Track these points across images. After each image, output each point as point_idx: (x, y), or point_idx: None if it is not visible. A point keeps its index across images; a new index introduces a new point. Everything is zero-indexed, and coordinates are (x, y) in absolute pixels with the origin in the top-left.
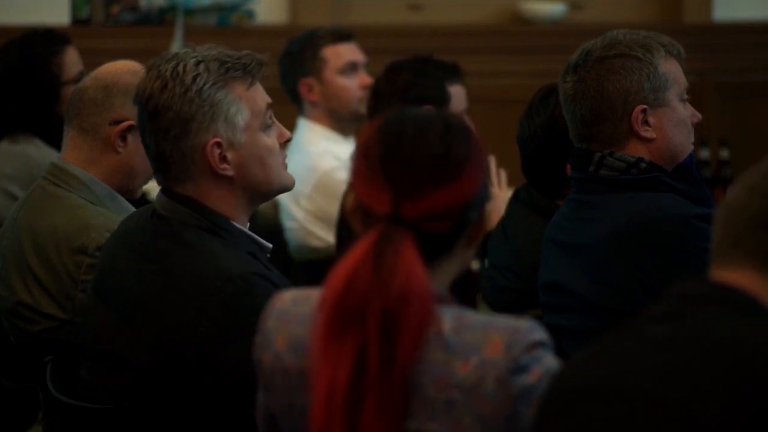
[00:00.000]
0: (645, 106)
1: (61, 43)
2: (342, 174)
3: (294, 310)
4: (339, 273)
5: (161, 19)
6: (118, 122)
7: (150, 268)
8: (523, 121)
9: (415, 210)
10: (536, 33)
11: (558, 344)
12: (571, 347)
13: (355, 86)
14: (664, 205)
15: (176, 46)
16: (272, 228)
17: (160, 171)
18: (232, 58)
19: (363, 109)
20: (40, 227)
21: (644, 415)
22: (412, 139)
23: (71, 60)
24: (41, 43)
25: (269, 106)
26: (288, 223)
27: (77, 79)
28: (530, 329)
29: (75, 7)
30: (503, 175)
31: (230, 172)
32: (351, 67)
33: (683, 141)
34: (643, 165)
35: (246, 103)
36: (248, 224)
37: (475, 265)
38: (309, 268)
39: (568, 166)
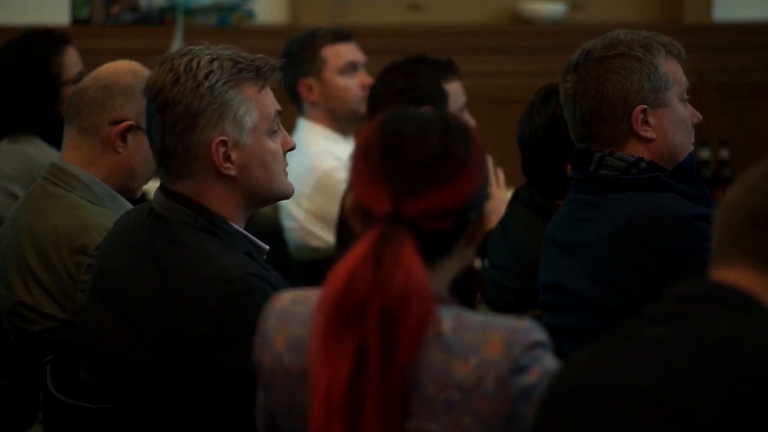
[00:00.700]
0: (645, 106)
1: (61, 43)
2: (342, 174)
3: (294, 310)
4: (339, 273)
5: (161, 19)
6: (118, 122)
7: (148, 267)
8: (523, 121)
9: (415, 210)
10: (536, 33)
11: (558, 344)
12: (571, 347)
13: (354, 86)
14: (664, 205)
15: (176, 46)
16: (272, 228)
17: (163, 165)
18: (246, 60)
19: (363, 109)
20: (40, 227)
21: (644, 415)
22: (413, 139)
23: (71, 60)
24: (41, 43)
25: (279, 113)
26: (288, 223)
27: (77, 79)
28: (530, 329)
29: (75, 7)
30: (501, 174)
31: (233, 172)
32: (351, 67)
33: (683, 141)
34: (643, 165)
35: (255, 105)
36: (244, 226)
37: (477, 263)
38: (309, 268)
39: (569, 166)
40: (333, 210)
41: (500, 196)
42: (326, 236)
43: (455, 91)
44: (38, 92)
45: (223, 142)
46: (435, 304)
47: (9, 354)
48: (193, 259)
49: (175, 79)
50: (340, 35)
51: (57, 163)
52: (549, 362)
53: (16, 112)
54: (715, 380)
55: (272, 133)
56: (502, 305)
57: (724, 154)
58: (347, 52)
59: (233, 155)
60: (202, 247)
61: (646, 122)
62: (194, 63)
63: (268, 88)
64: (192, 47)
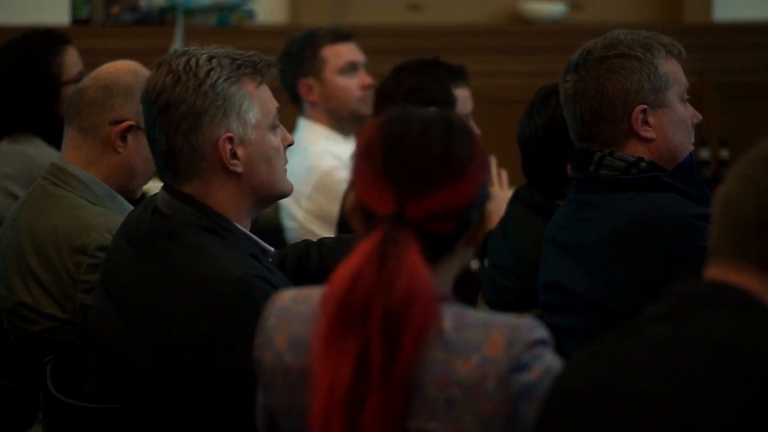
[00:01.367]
0: (645, 106)
1: (61, 43)
2: (342, 174)
3: (294, 309)
4: (342, 273)
5: (161, 19)
6: (118, 122)
7: (149, 267)
8: (523, 121)
9: (418, 210)
10: (536, 33)
11: (558, 344)
12: (571, 347)
13: (354, 86)
14: (664, 205)
15: (176, 46)
16: (272, 228)
17: (168, 167)
18: (242, 56)
19: (363, 109)
20: (40, 227)
21: (644, 415)
22: (415, 140)
23: (71, 60)
24: (41, 43)
25: (278, 109)
26: (288, 223)
27: (77, 79)
28: (531, 327)
29: (75, 7)
30: (504, 175)
31: (239, 169)
32: (351, 67)
33: (683, 141)
34: (643, 165)
35: (257, 101)
36: (249, 228)
37: (474, 264)
38: None
39: (569, 166)
40: (333, 210)
41: (502, 196)
42: (327, 236)
43: (464, 97)
44: (38, 92)
45: (230, 139)
46: (439, 305)
47: (9, 354)
48: (194, 259)
49: (176, 80)
50: (340, 35)
51: (57, 163)
52: (550, 360)
53: (16, 112)
54: (715, 380)
55: (273, 128)
56: (502, 305)
57: (724, 154)
58: (347, 52)
59: (239, 151)
60: (204, 247)
61: (646, 122)
62: (193, 62)
63: (265, 85)
64: (186, 48)
